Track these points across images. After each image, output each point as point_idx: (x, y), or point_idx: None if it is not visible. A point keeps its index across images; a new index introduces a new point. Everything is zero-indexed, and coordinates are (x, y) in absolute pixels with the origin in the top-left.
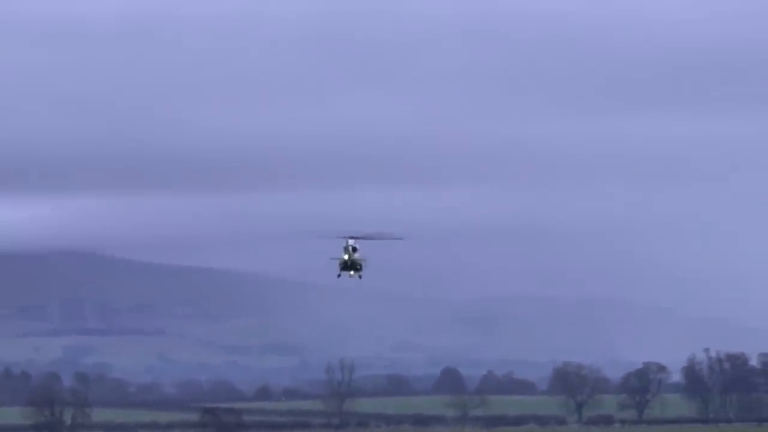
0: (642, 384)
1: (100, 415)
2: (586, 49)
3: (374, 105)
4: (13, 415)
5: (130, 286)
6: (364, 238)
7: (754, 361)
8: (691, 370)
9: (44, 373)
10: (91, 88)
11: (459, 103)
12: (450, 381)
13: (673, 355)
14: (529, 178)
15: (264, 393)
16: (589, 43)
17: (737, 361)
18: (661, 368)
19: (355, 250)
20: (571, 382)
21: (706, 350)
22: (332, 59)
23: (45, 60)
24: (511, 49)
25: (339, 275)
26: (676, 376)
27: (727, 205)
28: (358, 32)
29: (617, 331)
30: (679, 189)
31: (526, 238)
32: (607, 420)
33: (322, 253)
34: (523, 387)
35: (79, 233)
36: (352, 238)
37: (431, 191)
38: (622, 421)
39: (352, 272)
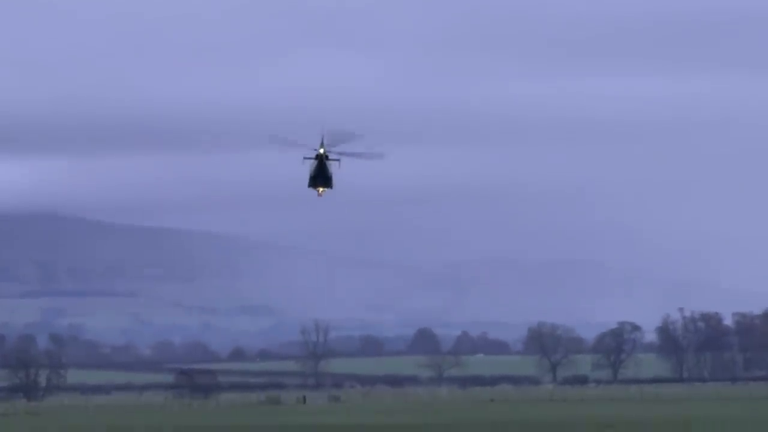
0: (616, 344)
1: (74, 376)
2: (554, 10)
3: (338, 66)
4: None
5: (103, 248)
6: (339, 154)
7: (728, 321)
8: (665, 330)
9: (19, 335)
10: (55, 53)
11: (422, 66)
12: (424, 342)
13: (648, 315)
14: (501, 139)
15: (238, 354)
16: (556, 4)
17: (711, 320)
18: (636, 328)
19: (327, 157)
20: (546, 343)
21: (681, 310)
22: (292, 21)
23: (2, 24)
24: (478, 10)
25: (309, 186)
26: (651, 336)
27: (703, 167)
28: None
29: (592, 291)
30: (653, 150)
31: (500, 201)
32: (582, 380)
33: (297, 216)
34: (498, 347)
35: (50, 195)
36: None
37: (399, 154)
38: (597, 381)
39: (321, 189)
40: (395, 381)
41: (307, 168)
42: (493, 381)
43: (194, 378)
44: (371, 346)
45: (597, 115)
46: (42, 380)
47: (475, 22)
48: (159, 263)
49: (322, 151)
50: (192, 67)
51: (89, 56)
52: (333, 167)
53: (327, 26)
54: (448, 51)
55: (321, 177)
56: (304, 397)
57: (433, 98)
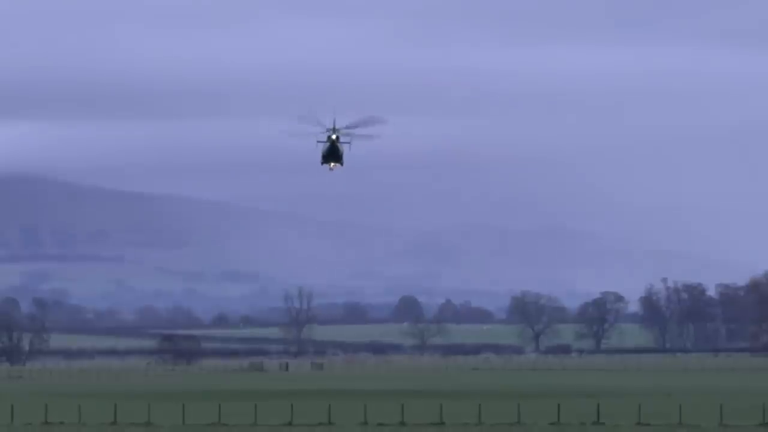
0: (599, 314)
1: (57, 341)
2: None
3: (314, 32)
4: None
5: (87, 213)
6: (346, 127)
7: (711, 292)
8: (648, 300)
9: (2, 299)
10: (42, 15)
11: (404, 31)
12: (408, 309)
13: (631, 285)
14: (486, 107)
15: (222, 320)
16: None
17: (694, 291)
18: (619, 298)
19: (338, 138)
20: (529, 312)
21: (664, 280)
22: None
23: None
24: None
25: (322, 163)
26: (634, 306)
27: (687, 138)
28: None
29: (576, 261)
30: (638, 119)
31: (485, 168)
32: (565, 349)
33: (282, 182)
34: (481, 316)
35: (35, 159)
36: (333, 130)
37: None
38: (580, 351)
39: (332, 164)
40: (378, 348)
41: (320, 149)
42: (476, 349)
43: (177, 343)
44: (355, 314)
45: (581, 83)
46: (25, 344)
47: None
48: (143, 229)
49: (334, 136)
50: (178, 33)
51: (78, 18)
52: (344, 147)
53: None
54: (425, 20)
55: (333, 156)
56: (287, 364)
57: (413, 67)
